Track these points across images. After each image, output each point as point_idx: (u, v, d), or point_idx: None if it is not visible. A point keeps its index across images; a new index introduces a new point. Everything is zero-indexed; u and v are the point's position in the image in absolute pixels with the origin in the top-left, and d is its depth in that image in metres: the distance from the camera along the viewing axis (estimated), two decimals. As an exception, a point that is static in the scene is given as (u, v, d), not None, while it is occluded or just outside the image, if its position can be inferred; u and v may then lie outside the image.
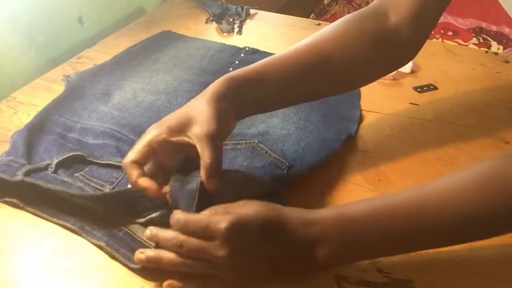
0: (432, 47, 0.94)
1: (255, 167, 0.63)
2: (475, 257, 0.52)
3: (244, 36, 1.01)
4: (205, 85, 0.81)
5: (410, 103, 0.77)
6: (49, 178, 0.59)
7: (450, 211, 0.44)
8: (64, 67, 0.88)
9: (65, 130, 0.69)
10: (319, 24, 1.05)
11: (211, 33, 1.02)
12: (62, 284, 0.50)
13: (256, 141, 0.66)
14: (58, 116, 0.72)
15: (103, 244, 0.52)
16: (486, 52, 0.93)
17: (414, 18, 0.59)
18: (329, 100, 0.71)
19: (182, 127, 0.50)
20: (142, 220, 0.55)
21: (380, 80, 0.74)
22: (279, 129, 0.69)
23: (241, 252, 0.44)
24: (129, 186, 0.60)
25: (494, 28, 2.01)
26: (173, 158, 0.53)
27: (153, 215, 0.54)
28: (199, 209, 0.47)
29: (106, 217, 0.55)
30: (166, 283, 0.47)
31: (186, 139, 0.50)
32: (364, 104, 0.75)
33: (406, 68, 0.83)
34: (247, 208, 0.45)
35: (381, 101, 0.77)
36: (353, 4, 2.33)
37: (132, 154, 0.50)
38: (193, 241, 0.44)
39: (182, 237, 0.45)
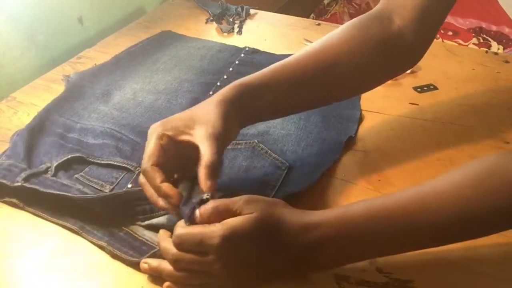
0: (432, 47, 0.92)
1: (255, 167, 0.63)
2: (475, 257, 0.52)
3: (244, 36, 1.01)
4: (205, 85, 0.82)
5: (410, 103, 0.77)
6: (48, 183, 0.59)
7: (448, 210, 0.44)
8: (64, 67, 0.88)
9: (65, 130, 0.69)
10: (319, 24, 1.04)
11: (211, 33, 1.02)
12: (62, 284, 0.50)
13: (256, 141, 0.66)
14: (58, 116, 0.72)
15: (104, 244, 0.52)
16: (486, 52, 0.93)
17: (418, 21, 0.59)
18: (329, 100, 0.71)
19: (187, 128, 0.50)
20: (141, 223, 0.55)
21: (380, 80, 0.74)
22: (279, 129, 0.69)
23: (237, 262, 0.44)
24: (129, 186, 0.60)
25: (494, 28, 2.01)
26: (174, 161, 0.51)
27: (153, 221, 0.54)
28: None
29: (106, 217, 0.55)
30: (165, 285, 0.47)
31: (191, 139, 0.49)
32: (364, 104, 0.75)
33: (406, 68, 0.83)
34: (243, 217, 0.44)
35: (381, 101, 0.77)
36: (353, 4, 2.33)
37: (149, 158, 0.49)
38: (187, 257, 0.44)
39: (177, 253, 0.45)
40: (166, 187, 0.47)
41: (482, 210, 0.44)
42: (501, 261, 0.52)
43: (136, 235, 0.54)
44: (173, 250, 0.45)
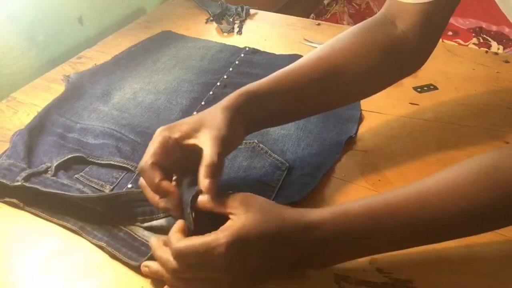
0: (432, 47, 0.93)
1: (255, 167, 0.63)
2: (475, 257, 0.52)
3: (244, 36, 1.01)
4: (205, 85, 0.82)
5: (410, 103, 0.77)
6: (48, 182, 0.59)
7: (449, 206, 0.44)
8: (64, 67, 0.88)
9: (65, 131, 0.69)
10: (319, 24, 1.04)
11: (211, 33, 1.02)
12: (62, 284, 0.50)
13: (256, 141, 0.66)
14: (58, 116, 0.72)
15: (103, 244, 0.52)
16: (486, 52, 0.93)
17: (421, 26, 0.59)
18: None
19: (193, 131, 0.50)
20: (141, 225, 0.55)
21: (380, 80, 0.74)
22: (279, 129, 0.69)
23: (242, 267, 0.44)
24: (129, 186, 0.60)
25: (494, 28, 2.01)
26: (176, 164, 0.51)
27: (153, 223, 0.54)
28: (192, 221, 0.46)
29: (106, 217, 0.55)
30: None
31: (197, 142, 0.49)
32: (364, 104, 0.75)
33: (406, 68, 0.83)
34: (244, 219, 0.44)
35: (381, 101, 0.77)
36: (353, 4, 2.33)
37: (150, 156, 0.48)
38: (190, 270, 0.44)
39: (178, 267, 0.44)
40: (165, 184, 0.47)
41: (482, 206, 0.44)
42: (501, 261, 0.52)
43: (136, 236, 0.53)
44: (172, 262, 0.44)
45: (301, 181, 0.60)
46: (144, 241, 0.53)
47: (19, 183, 0.57)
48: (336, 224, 0.45)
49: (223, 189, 0.48)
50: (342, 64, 0.58)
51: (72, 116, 0.73)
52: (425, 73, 0.84)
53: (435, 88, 0.81)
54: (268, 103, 0.55)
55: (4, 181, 0.58)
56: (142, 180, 0.50)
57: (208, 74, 0.85)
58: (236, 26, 1.04)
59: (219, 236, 0.42)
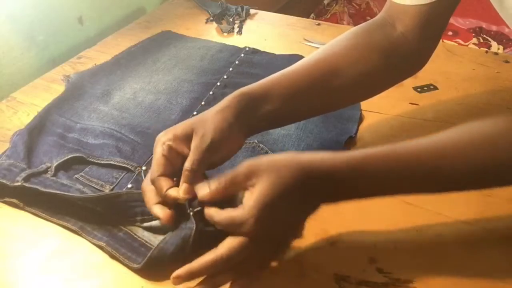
0: (432, 47, 0.93)
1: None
2: (475, 257, 0.52)
3: (244, 36, 1.01)
4: (205, 85, 0.82)
5: (410, 103, 0.77)
6: (48, 183, 0.59)
7: (466, 163, 0.46)
8: (64, 67, 0.88)
9: (65, 131, 0.69)
10: (319, 24, 1.05)
11: (211, 33, 1.02)
12: (62, 284, 0.50)
13: (256, 141, 0.66)
14: (58, 116, 0.72)
15: (103, 244, 0.52)
16: (486, 52, 0.93)
17: (420, 27, 0.59)
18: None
19: (186, 137, 0.51)
20: (141, 224, 0.55)
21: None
22: (279, 129, 0.69)
23: (275, 229, 0.45)
24: (129, 186, 0.60)
25: (494, 28, 2.01)
26: (178, 167, 0.51)
27: (153, 223, 0.54)
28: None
29: (106, 217, 0.55)
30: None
31: (185, 152, 0.50)
32: (364, 104, 0.75)
33: (406, 68, 0.83)
34: (263, 190, 0.44)
35: (381, 101, 0.77)
36: (353, 4, 2.33)
37: (156, 170, 0.49)
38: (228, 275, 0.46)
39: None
40: (171, 192, 0.48)
41: (499, 165, 0.46)
42: (501, 261, 0.52)
43: (135, 236, 0.53)
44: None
45: None
46: (144, 242, 0.53)
47: (19, 183, 0.57)
48: (352, 172, 0.46)
49: None
50: (340, 66, 0.58)
51: (72, 116, 0.73)
52: (425, 73, 0.84)
53: (435, 88, 0.81)
54: (261, 104, 0.54)
55: (4, 181, 0.58)
56: (143, 184, 0.51)
57: (208, 74, 0.85)
58: (236, 26, 1.04)
59: (244, 212, 0.43)
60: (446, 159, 0.46)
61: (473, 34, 2.00)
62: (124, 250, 0.52)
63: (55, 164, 0.62)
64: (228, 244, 0.44)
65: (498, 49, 1.90)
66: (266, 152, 0.65)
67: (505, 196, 0.59)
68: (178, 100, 0.77)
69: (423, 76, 0.84)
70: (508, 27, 1.93)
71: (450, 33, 1.99)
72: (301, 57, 0.86)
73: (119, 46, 0.94)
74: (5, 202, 0.58)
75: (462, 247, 0.53)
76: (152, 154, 0.52)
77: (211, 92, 0.80)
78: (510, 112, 0.49)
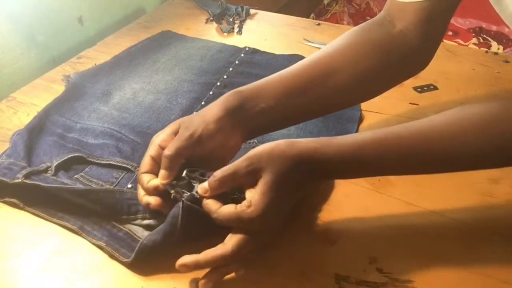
0: (432, 47, 0.93)
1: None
2: (475, 257, 0.52)
3: (244, 36, 1.01)
4: (205, 85, 0.82)
5: (410, 103, 0.77)
6: (48, 181, 0.59)
7: (457, 146, 0.48)
8: (64, 67, 0.88)
9: (65, 131, 0.69)
10: (319, 24, 1.05)
11: (211, 33, 1.02)
12: (62, 284, 0.50)
13: (256, 141, 0.66)
14: (58, 116, 0.72)
15: (103, 244, 0.52)
16: (486, 52, 0.93)
17: (420, 24, 0.59)
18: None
19: (176, 133, 0.53)
20: (141, 222, 0.55)
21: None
22: (279, 129, 0.69)
23: (282, 208, 0.48)
24: (129, 186, 0.60)
25: (494, 28, 2.01)
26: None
27: (152, 221, 0.54)
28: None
29: (106, 216, 0.55)
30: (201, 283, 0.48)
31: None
32: (364, 104, 0.75)
33: (406, 68, 0.82)
34: (262, 185, 0.46)
35: (381, 101, 0.77)
36: (353, 4, 2.33)
37: (141, 168, 0.53)
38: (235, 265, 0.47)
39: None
40: (153, 181, 0.52)
41: (489, 150, 0.47)
42: (501, 261, 0.52)
43: (135, 236, 0.53)
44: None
45: None
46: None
47: (19, 180, 0.57)
48: (346, 157, 0.48)
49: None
50: (339, 65, 0.57)
51: (72, 116, 0.73)
52: (425, 73, 0.84)
53: (435, 88, 0.81)
54: (256, 103, 0.54)
55: (4, 179, 0.58)
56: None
57: (208, 74, 0.85)
58: (236, 26, 1.04)
59: (254, 214, 0.44)
60: (437, 142, 0.49)
61: (473, 34, 1.99)
62: (124, 251, 0.52)
63: (55, 164, 0.62)
64: (237, 240, 0.45)
65: (498, 49, 1.90)
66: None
67: (505, 196, 0.59)
68: (178, 100, 0.77)
69: (423, 76, 0.83)
70: (508, 27, 1.93)
71: (450, 33, 1.99)
72: (301, 57, 0.86)
73: (119, 46, 0.94)
74: (5, 202, 0.58)
75: (462, 247, 0.53)
76: None
77: (211, 92, 0.80)
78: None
